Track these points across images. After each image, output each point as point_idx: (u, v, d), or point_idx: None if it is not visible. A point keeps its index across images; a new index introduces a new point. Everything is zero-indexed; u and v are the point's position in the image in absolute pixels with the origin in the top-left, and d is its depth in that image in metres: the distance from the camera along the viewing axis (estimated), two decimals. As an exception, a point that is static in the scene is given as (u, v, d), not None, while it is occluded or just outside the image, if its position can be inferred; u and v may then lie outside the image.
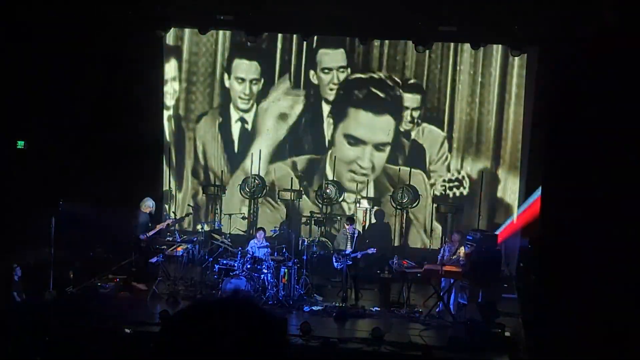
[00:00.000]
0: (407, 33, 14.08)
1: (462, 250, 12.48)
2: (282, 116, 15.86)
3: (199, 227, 14.62)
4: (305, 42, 15.27)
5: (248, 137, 15.97)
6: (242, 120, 16.05)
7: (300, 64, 15.65)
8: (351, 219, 13.43)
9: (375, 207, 15.62)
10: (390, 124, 15.46)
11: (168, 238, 13.96)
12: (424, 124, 15.43)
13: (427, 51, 14.71)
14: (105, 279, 13.51)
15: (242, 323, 1.51)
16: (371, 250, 13.02)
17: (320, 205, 15.59)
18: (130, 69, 14.26)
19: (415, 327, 11.53)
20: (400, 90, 15.38)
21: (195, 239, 13.74)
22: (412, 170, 15.26)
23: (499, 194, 15.33)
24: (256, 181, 15.57)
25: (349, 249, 12.78)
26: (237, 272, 12.11)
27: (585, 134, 10.80)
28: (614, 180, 9.97)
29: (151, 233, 13.00)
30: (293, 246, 13.13)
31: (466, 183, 15.41)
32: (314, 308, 12.13)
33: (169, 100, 16.08)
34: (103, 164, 13.73)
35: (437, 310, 12.16)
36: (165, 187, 15.96)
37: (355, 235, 12.93)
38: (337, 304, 12.35)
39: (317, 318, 11.68)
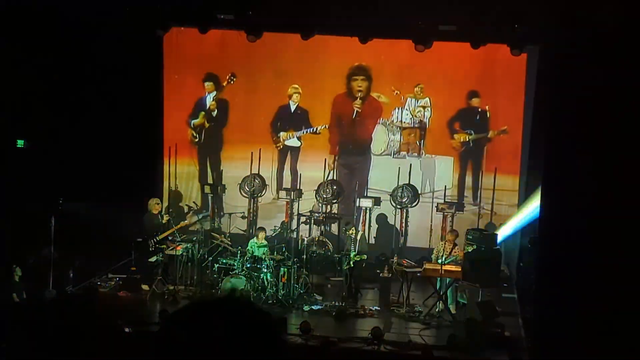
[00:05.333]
0: (407, 33, 14.04)
1: (458, 249, 12.48)
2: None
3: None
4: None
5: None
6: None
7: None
8: (350, 223, 13.49)
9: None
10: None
11: (169, 238, 13.96)
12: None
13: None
14: (105, 279, 13.51)
15: (241, 322, 1.51)
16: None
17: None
18: (130, 68, 14.23)
19: (415, 327, 11.54)
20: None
21: (195, 238, 13.71)
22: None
23: (499, 193, 15.30)
24: (256, 180, 15.51)
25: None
26: (237, 271, 12.11)
27: (586, 133, 10.79)
28: (614, 181, 9.96)
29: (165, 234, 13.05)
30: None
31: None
32: (314, 307, 12.14)
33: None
34: (103, 164, 13.70)
35: (436, 310, 12.15)
36: (166, 187, 15.93)
37: (358, 237, 13.02)
38: (337, 304, 12.36)
39: (317, 317, 11.69)
